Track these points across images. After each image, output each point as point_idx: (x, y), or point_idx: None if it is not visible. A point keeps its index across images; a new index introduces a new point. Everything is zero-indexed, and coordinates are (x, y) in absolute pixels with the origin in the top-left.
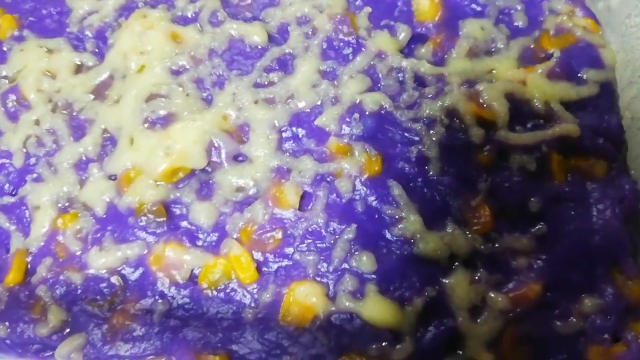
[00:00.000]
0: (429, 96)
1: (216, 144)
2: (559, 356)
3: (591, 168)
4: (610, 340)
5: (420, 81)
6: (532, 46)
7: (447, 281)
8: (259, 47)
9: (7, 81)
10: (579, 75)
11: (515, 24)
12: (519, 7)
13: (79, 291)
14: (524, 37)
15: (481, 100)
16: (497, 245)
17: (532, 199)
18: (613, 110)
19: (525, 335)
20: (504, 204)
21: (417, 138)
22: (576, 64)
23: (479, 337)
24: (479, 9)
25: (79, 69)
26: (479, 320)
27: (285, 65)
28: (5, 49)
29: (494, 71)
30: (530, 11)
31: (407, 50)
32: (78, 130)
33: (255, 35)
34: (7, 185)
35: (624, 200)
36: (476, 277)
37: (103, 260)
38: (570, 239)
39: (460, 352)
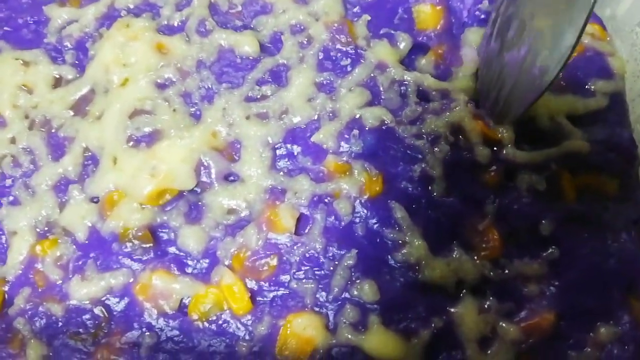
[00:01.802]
0: (433, 112)
1: (205, 163)
2: None
3: (603, 186)
4: None
5: (423, 96)
6: None
7: (454, 310)
8: (251, 58)
9: None
10: (586, 87)
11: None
12: None
13: (60, 324)
14: None
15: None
16: (506, 271)
17: (543, 221)
18: (623, 123)
19: None
20: (513, 227)
21: (420, 156)
22: (583, 75)
23: None
24: (482, 16)
25: (57, 82)
26: (489, 352)
27: (278, 77)
28: None
29: None
30: None
31: (407, 61)
32: (57, 149)
33: (247, 45)
34: None
35: (639, 221)
36: (485, 306)
37: (85, 290)
38: (584, 263)
39: None
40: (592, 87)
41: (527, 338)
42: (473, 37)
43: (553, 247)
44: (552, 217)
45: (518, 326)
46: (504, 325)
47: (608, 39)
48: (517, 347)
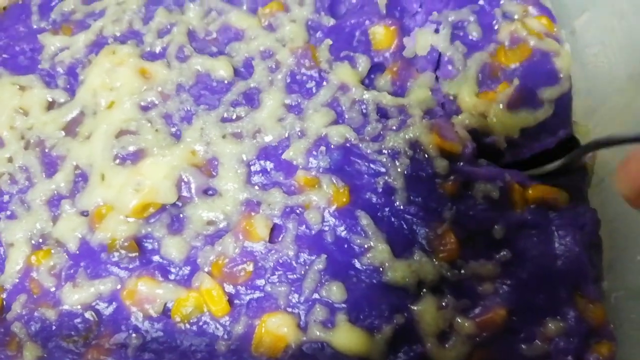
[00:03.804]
0: (392, 128)
1: (186, 179)
2: None
3: (555, 198)
4: None
5: (382, 113)
6: (489, 62)
7: (415, 308)
8: (225, 81)
9: None
10: (536, 97)
11: (470, 37)
12: (471, 19)
13: (54, 327)
14: (480, 52)
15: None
16: (463, 271)
17: (495, 227)
18: (566, 125)
19: (492, 359)
20: (469, 231)
21: (383, 169)
22: (533, 85)
23: None
24: (433, 26)
25: (50, 105)
26: (447, 346)
27: (251, 99)
28: None
29: (455, 99)
30: (483, 19)
31: (367, 81)
32: (50, 167)
33: (221, 69)
34: None
35: (584, 228)
36: (443, 304)
37: (77, 296)
38: (534, 265)
39: None
40: (542, 96)
41: (482, 332)
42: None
43: (505, 249)
44: (504, 223)
45: (473, 321)
46: (460, 320)
47: (555, 30)
48: (473, 341)
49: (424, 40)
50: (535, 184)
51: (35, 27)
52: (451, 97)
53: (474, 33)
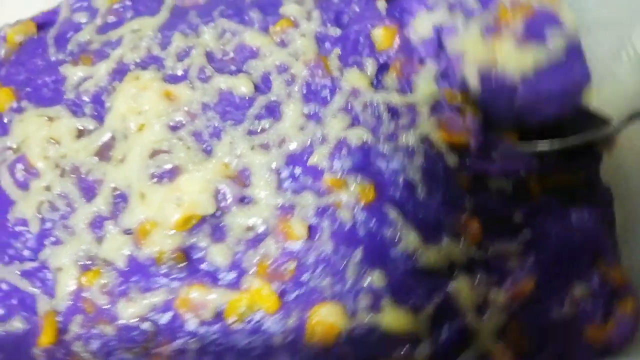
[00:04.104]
0: (404, 127)
1: (222, 190)
2: (559, 340)
3: (571, 183)
4: (602, 320)
5: (394, 112)
6: (492, 23)
7: (451, 287)
8: (247, 97)
9: (12, 152)
10: (544, 36)
11: (469, 7)
12: None
13: (114, 342)
14: (482, 15)
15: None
16: (489, 252)
17: (514, 214)
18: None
19: (527, 326)
20: (490, 217)
21: (401, 166)
22: (540, 26)
23: (487, 331)
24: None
25: (80, 133)
26: (484, 317)
27: (273, 111)
28: (5, 120)
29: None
30: None
31: (376, 82)
32: (88, 191)
33: (242, 86)
34: (25, 251)
35: (599, 205)
36: (476, 281)
37: (132, 310)
38: (554, 241)
39: (473, 347)
40: (550, 36)
41: (514, 302)
42: (421, 22)
43: (526, 229)
44: (522, 212)
45: (505, 292)
46: (493, 293)
47: None
48: (507, 311)
49: (421, 24)
50: (552, 172)
51: (53, 59)
52: (458, 52)
53: (474, 5)
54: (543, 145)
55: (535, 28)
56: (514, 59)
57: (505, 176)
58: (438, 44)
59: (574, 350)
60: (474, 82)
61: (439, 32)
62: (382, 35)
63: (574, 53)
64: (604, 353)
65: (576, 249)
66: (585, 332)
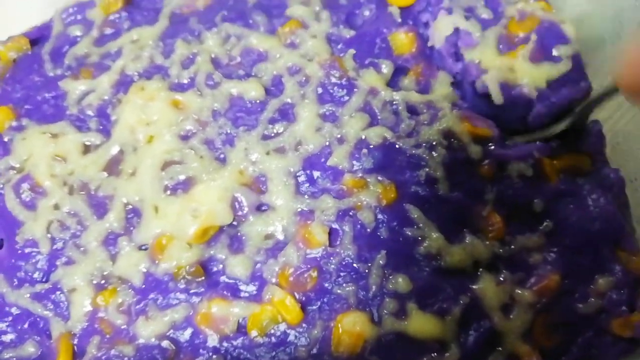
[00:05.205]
0: (425, 123)
1: (238, 199)
2: (586, 334)
3: (579, 163)
4: (628, 311)
5: (412, 110)
6: (504, 33)
7: (476, 287)
8: (258, 101)
9: (15, 172)
10: (553, 53)
11: (482, 17)
12: (480, 4)
13: None
14: (495, 25)
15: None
16: (512, 246)
17: (535, 201)
18: (585, 76)
19: (554, 322)
20: (511, 209)
21: (422, 162)
22: (548, 43)
23: (514, 331)
24: (446, 12)
25: (87, 148)
26: (511, 317)
27: (286, 114)
28: (6, 139)
29: (479, 63)
30: (490, 4)
31: (392, 83)
32: (99, 207)
33: (252, 90)
34: (36, 273)
35: (612, 188)
36: (501, 279)
37: (151, 328)
38: (575, 230)
39: (500, 349)
40: (558, 52)
41: (541, 298)
42: (444, 24)
43: (547, 220)
44: (542, 196)
45: (531, 290)
46: (519, 291)
47: (554, 10)
48: (534, 308)
49: (443, 23)
50: (559, 154)
51: (51, 74)
52: (476, 62)
53: (485, 14)
54: (539, 135)
55: (544, 42)
56: (529, 72)
57: (523, 160)
58: (457, 48)
59: (601, 344)
60: (494, 92)
61: (457, 35)
62: (402, 40)
63: (578, 66)
64: (632, 345)
65: (596, 237)
66: (612, 325)
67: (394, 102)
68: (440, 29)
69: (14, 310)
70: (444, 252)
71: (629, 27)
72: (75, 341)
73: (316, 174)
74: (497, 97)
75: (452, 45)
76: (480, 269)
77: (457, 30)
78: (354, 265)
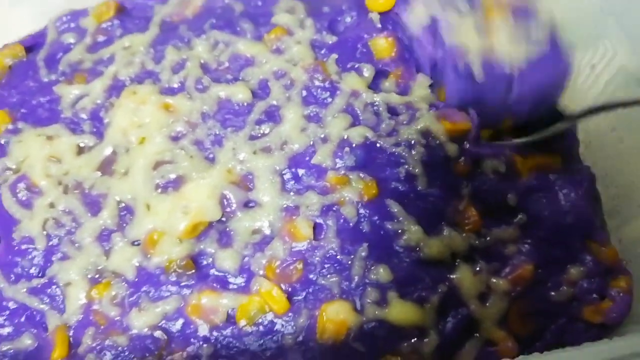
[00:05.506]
0: (404, 123)
1: (227, 196)
2: (559, 321)
3: (549, 162)
4: (599, 298)
5: (393, 111)
6: (481, 22)
7: (454, 276)
8: (245, 103)
9: (11, 172)
10: (530, 36)
11: (459, 7)
12: None
13: (127, 352)
14: (472, 14)
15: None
16: (488, 238)
17: (509, 195)
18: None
19: (528, 309)
20: (487, 203)
21: (402, 160)
22: (525, 25)
23: (490, 318)
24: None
25: (81, 150)
26: (487, 304)
27: (272, 116)
28: (2, 142)
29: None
30: None
31: (373, 85)
32: (93, 206)
33: (240, 93)
34: (33, 268)
35: (582, 183)
36: (477, 269)
37: (144, 319)
38: (547, 223)
39: (477, 335)
40: (536, 31)
41: (515, 287)
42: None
43: (521, 214)
44: (515, 192)
45: (506, 279)
46: (495, 281)
47: None
48: (509, 296)
49: (419, 9)
50: (531, 153)
51: (46, 80)
52: (457, 44)
53: (462, 7)
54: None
55: (522, 24)
56: (508, 51)
57: (496, 157)
58: (435, 35)
59: (574, 331)
60: (477, 70)
61: (435, 22)
62: (381, 44)
63: (556, 44)
64: (602, 330)
65: (568, 229)
66: (583, 312)
67: (375, 104)
68: (417, 17)
69: (11, 305)
70: (422, 244)
71: None
72: (71, 333)
73: (301, 171)
74: (480, 74)
75: (431, 35)
76: (458, 260)
77: (435, 20)
78: (338, 257)
